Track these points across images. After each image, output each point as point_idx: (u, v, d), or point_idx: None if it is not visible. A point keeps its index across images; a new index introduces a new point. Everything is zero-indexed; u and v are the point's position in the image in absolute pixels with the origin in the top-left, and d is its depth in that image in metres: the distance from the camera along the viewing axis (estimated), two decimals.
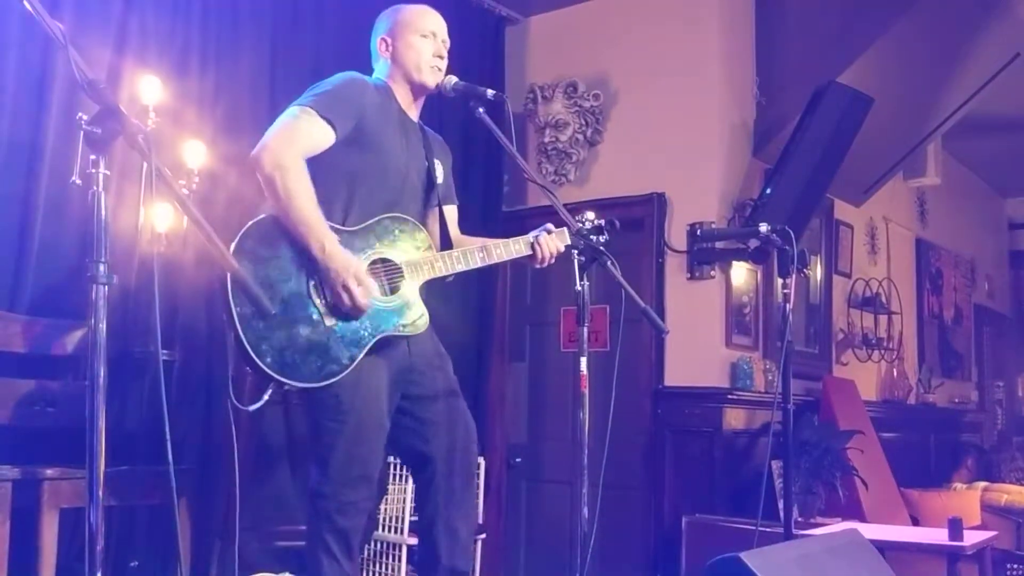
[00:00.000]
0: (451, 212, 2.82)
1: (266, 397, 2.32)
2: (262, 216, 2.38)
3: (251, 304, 2.23)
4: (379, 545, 4.33)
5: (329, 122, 2.47)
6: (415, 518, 2.84)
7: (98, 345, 1.54)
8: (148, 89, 3.38)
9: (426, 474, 2.61)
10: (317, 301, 2.37)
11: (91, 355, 1.54)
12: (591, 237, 2.42)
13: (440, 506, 2.59)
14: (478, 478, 4.60)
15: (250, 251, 2.32)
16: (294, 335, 2.32)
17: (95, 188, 1.53)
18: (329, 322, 2.37)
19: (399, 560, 4.14)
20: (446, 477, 2.60)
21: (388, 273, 2.51)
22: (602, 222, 2.46)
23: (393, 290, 2.49)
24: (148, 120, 3.32)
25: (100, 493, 1.52)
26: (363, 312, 2.39)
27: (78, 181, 1.55)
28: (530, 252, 2.71)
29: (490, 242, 2.72)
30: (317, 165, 2.45)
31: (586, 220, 2.48)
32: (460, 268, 2.61)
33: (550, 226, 2.74)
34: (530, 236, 2.72)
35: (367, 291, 2.38)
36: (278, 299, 2.32)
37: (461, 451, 2.64)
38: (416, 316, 2.52)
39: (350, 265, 2.36)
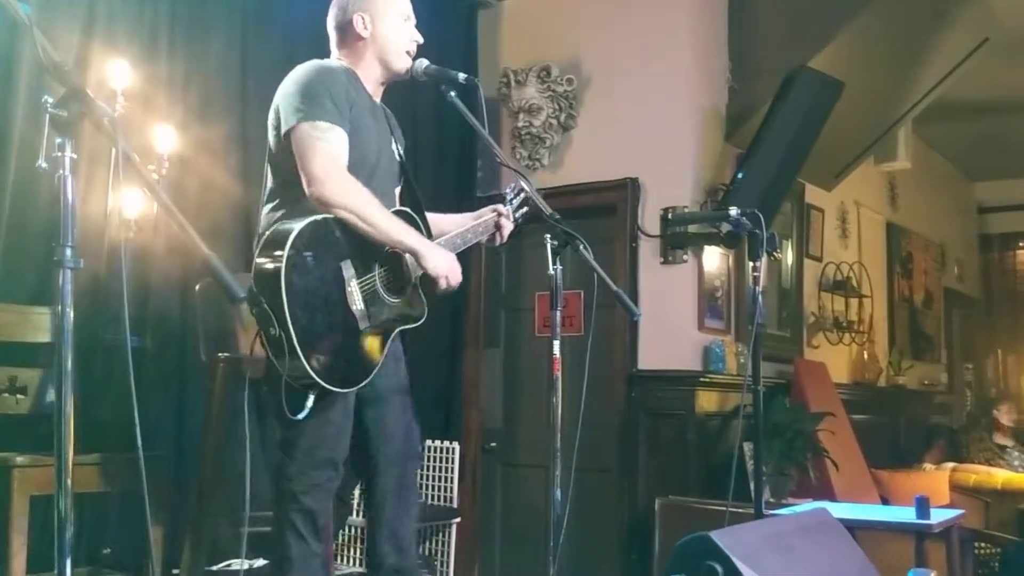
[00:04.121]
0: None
1: (310, 404, 2.32)
2: (303, 224, 2.33)
3: (222, 290, 2.21)
4: (354, 530, 4.34)
5: (340, 125, 2.46)
6: None
7: (66, 330, 1.52)
8: (117, 73, 3.35)
9: (371, 475, 2.63)
10: (353, 308, 2.38)
11: (59, 340, 1.53)
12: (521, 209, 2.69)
13: (383, 510, 2.61)
14: (452, 463, 4.64)
15: (292, 259, 2.29)
16: (335, 341, 2.34)
17: (61, 171, 1.51)
18: (363, 325, 2.40)
19: None
20: (391, 479, 2.61)
21: (395, 270, 2.52)
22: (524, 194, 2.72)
23: (400, 288, 2.52)
24: (117, 104, 3.28)
25: (68, 481, 1.51)
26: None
27: (44, 165, 1.53)
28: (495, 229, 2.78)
29: (466, 227, 2.75)
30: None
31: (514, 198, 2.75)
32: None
33: (499, 206, 2.78)
34: (489, 213, 2.77)
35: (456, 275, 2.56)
36: (320, 306, 2.31)
37: (404, 450, 2.66)
38: (420, 308, 2.61)
39: (445, 260, 2.54)
